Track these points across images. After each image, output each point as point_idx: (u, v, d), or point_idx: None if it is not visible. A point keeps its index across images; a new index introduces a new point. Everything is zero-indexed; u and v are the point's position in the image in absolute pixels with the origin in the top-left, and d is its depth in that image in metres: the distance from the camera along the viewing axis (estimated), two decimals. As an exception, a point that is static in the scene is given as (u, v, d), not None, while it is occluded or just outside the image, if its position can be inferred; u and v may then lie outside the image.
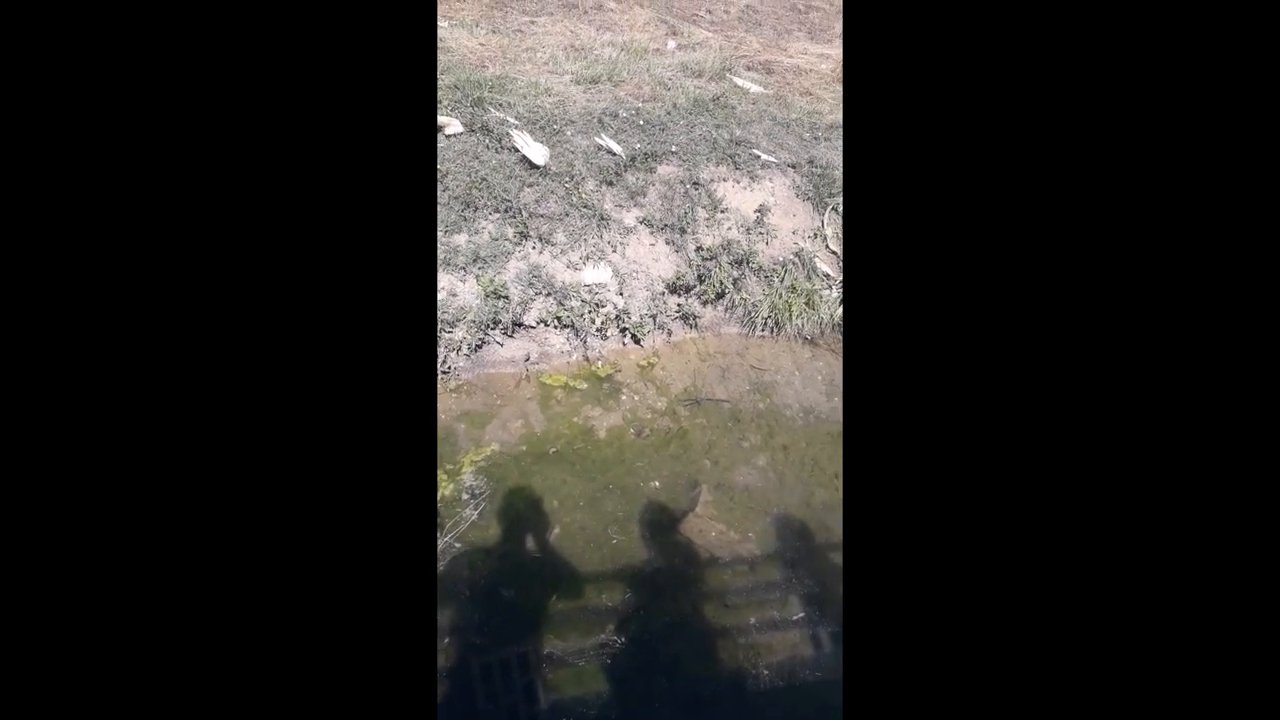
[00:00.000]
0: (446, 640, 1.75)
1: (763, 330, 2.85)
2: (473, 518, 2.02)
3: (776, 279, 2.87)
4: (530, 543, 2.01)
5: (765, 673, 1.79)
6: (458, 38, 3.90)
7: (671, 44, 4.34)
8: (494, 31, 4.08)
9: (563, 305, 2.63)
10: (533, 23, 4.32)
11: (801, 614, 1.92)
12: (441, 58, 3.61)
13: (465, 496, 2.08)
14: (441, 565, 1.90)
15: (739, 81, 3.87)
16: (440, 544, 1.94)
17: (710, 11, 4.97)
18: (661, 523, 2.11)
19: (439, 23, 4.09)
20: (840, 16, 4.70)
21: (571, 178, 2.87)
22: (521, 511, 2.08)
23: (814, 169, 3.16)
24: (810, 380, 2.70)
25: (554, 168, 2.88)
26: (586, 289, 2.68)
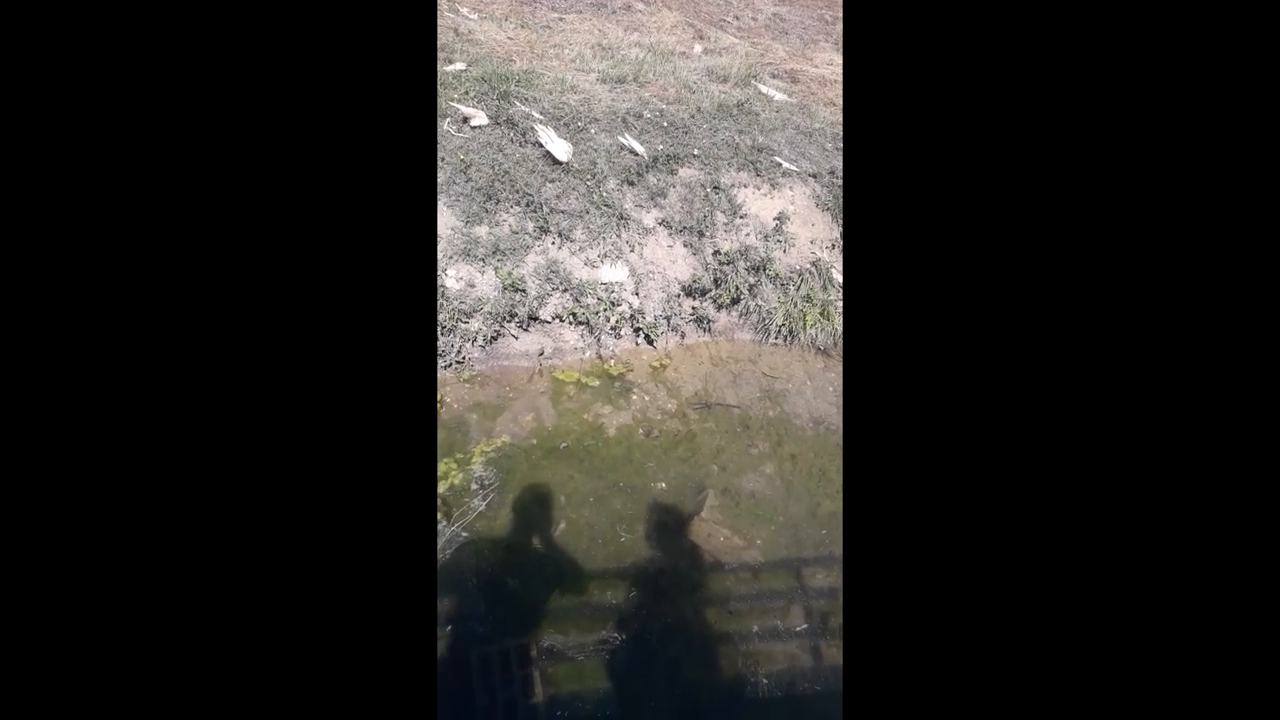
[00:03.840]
0: (448, 628, 1.76)
1: (776, 338, 2.85)
2: (480, 508, 2.03)
3: (792, 287, 2.87)
4: (536, 536, 2.01)
5: (764, 681, 1.79)
6: (487, 31, 3.92)
7: (698, 48, 4.35)
8: (523, 26, 4.10)
9: (579, 302, 2.63)
10: (561, 20, 4.33)
11: (804, 625, 1.92)
12: (469, 50, 3.63)
13: (474, 486, 2.09)
14: (448, 553, 1.90)
15: (764, 89, 3.87)
16: (447, 532, 1.94)
17: (738, 18, 4.98)
18: (667, 524, 2.11)
19: (468, 15, 4.11)
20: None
21: (593, 175, 2.88)
22: (529, 505, 2.08)
23: (834, 179, 3.15)
24: (821, 391, 2.70)
25: (576, 165, 2.89)
26: (603, 287, 2.69)
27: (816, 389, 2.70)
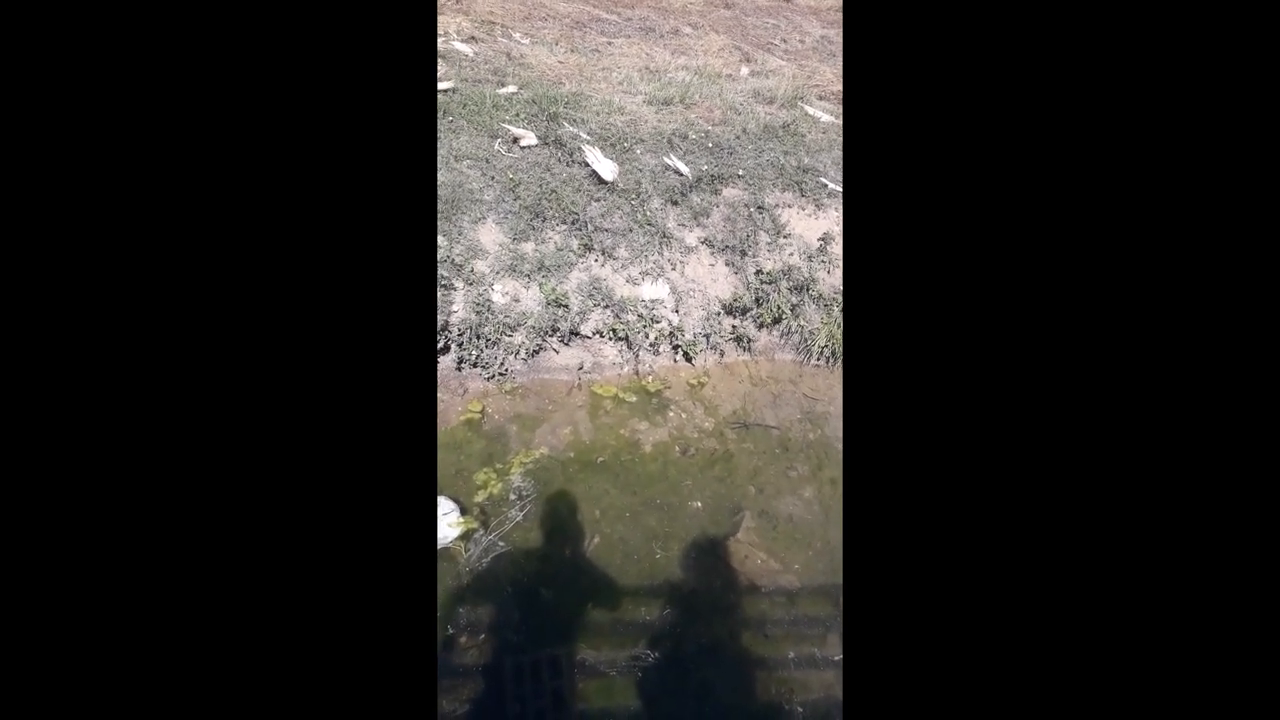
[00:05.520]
0: (482, 637, 1.78)
1: (818, 359, 2.81)
2: (518, 518, 2.06)
3: (836, 308, 2.83)
4: (571, 549, 2.02)
5: (800, 710, 1.74)
6: (538, 55, 4.06)
7: (745, 70, 4.39)
8: (573, 51, 4.23)
9: (619, 318, 2.67)
10: (610, 44, 4.45)
11: (841, 655, 1.86)
12: (521, 73, 3.77)
13: (512, 497, 2.13)
14: (484, 562, 1.93)
15: (810, 110, 3.87)
16: (485, 541, 1.98)
17: (785, 40, 5.02)
18: (702, 544, 2.09)
19: (521, 40, 4.27)
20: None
21: (638, 195, 2.92)
22: (565, 517, 2.10)
23: (882, 201, 3.11)
24: (863, 414, 2.64)
25: (622, 184, 2.95)
26: (643, 304, 2.72)
27: (858, 412, 2.65)
